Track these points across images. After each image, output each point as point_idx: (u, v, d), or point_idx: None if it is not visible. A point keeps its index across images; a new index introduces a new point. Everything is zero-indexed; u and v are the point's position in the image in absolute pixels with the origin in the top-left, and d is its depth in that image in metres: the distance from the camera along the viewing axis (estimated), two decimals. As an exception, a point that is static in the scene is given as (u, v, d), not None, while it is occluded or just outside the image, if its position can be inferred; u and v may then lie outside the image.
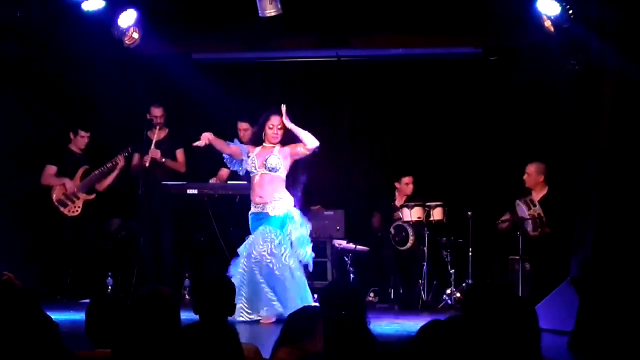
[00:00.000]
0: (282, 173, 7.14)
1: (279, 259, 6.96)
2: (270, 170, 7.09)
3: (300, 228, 7.16)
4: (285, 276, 6.95)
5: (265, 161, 7.09)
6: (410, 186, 8.73)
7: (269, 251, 6.95)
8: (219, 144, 7.27)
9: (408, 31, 8.46)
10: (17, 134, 8.32)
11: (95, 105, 8.82)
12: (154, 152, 8.36)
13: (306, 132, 7.16)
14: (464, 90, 9.14)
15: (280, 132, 7.14)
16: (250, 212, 7.20)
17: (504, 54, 8.69)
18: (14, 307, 2.87)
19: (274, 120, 7.14)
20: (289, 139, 7.19)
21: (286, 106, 7.21)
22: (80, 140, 8.62)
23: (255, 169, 7.14)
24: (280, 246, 6.98)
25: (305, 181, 7.38)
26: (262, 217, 7.08)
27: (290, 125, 7.16)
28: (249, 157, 7.16)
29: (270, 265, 6.93)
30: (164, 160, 8.43)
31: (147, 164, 8.34)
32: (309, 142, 7.12)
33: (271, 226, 7.01)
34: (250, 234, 7.15)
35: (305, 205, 8.70)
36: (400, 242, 8.35)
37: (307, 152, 7.15)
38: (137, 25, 7.91)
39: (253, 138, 7.30)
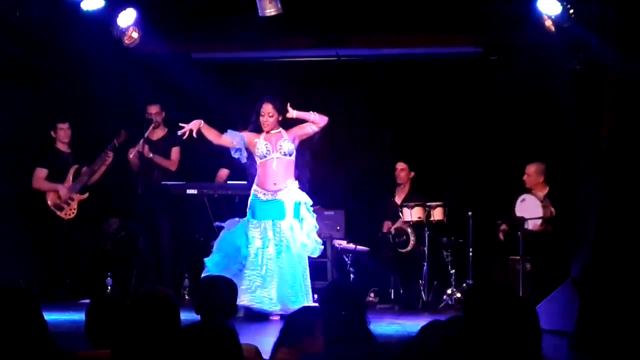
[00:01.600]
0: (294, 157, 7.17)
1: (301, 247, 7.04)
2: (284, 155, 7.11)
3: (312, 215, 7.22)
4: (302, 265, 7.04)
5: (280, 146, 7.10)
6: (403, 174, 8.71)
7: (293, 241, 7.00)
8: (211, 133, 7.22)
9: (408, 31, 8.46)
10: (17, 135, 8.31)
11: (94, 105, 8.81)
12: (141, 147, 8.33)
13: (312, 112, 7.19)
14: (464, 90, 9.13)
15: (271, 120, 7.12)
16: (257, 199, 7.10)
17: (504, 54, 8.68)
18: (14, 307, 2.87)
19: (264, 108, 7.15)
20: (290, 123, 7.22)
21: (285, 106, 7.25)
22: (61, 133, 8.53)
23: (269, 153, 7.09)
24: (298, 234, 7.05)
25: (309, 178, 7.41)
26: (274, 204, 7.05)
27: (296, 114, 7.18)
28: (256, 142, 7.11)
29: (294, 254, 6.98)
30: (151, 155, 8.39)
31: (130, 156, 8.32)
32: (319, 120, 7.17)
33: (287, 213, 7.03)
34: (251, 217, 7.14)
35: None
36: (401, 244, 8.35)
37: (317, 130, 7.19)
38: (137, 25, 7.90)
39: (253, 127, 7.26)
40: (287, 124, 7.24)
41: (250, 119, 7.28)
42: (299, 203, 7.11)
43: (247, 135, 7.18)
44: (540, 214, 7.61)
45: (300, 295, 6.88)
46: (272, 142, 7.12)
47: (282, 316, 6.79)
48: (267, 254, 6.95)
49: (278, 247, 6.96)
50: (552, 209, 7.65)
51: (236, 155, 7.23)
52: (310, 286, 7.05)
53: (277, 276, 6.90)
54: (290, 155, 7.13)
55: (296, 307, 6.75)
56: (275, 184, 7.09)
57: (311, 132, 7.21)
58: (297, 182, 7.21)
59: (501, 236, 8.00)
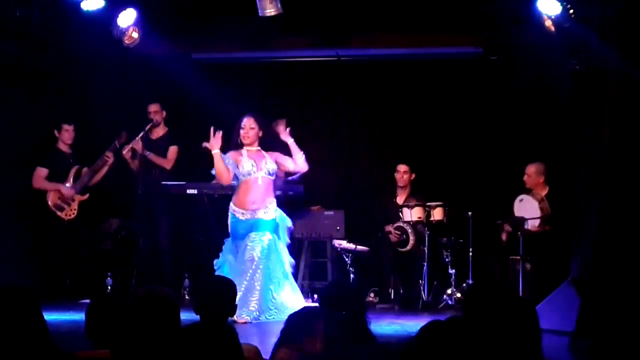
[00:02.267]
0: (274, 177, 7.22)
1: (280, 262, 7.08)
2: (268, 174, 7.14)
3: (285, 230, 7.27)
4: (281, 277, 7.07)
5: (265, 165, 7.12)
6: (406, 176, 8.70)
7: (271, 256, 7.02)
8: (221, 163, 7.06)
9: (408, 31, 8.45)
10: (17, 134, 8.31)
11: (94, 105, 8.81)
12: (135, 143, 8.32)
13: (301, 153, 7.21)
14: (464, 90, 9.13)
15: (251, 133, 7.14)
16: (236, 219, 7.10)
17: (504, 54, 8.68)
18: (14, 307, 2.87)
19: (245, 121, 7.17)
20: (268, 144, 7.22)
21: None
22: (66, 135, 8.54)
23: (254, 172, 7.10)
24: (280, 249, 7.10)
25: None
26: (254, 223, 7.05)
27: (289, 140, 7.19)
28: (240, 159, 7.10)
29: (271, 267, 6.99)
30: (147, 153, 8.38)
31: (124, 152, 8.33)
32: (301, 164, 7.20)
33: (266, 230, 7.03)
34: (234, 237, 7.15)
35: (305, 205, 8.75)
36: (401, 243, 8.34)
37: (291, 170, 7.26)
38: (137, 25, 7.90)
39: (233, 141, 7.24)
40: (269, 147, 7.26)
41: (232, 137, 7.23)
42: (277, 223, 7.14)
43: (232, 156, 7.14)
44: (538, 215, 7.61)
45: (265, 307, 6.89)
46: (255, 160, 7.11)
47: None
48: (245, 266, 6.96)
49: (250, 258, 6.95)
50: (549, 209, 7.65)
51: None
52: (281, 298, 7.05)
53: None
54: (272, 175, 7.17)
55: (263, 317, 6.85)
56: (254, 202, 7.07)
57: (288, 168, 7.24)
58: (275, 200, 7.22)
59: (504, 237, 8.00)
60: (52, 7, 7.63)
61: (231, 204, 7.18)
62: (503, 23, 7.93)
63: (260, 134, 7.20)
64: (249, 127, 7.15)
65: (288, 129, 7.26)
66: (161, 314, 3.07)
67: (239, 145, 7.17)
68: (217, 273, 7.10)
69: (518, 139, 8.67)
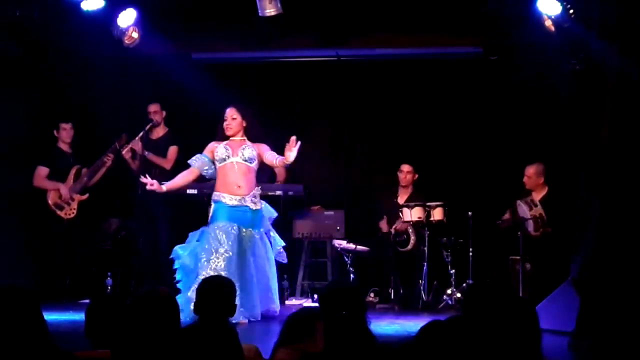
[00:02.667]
0: (255, 166, 7.01)
1: (269, 257, 7.05)
2: (245, 161, 6.97)
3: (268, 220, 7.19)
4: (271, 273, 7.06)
5: (241, 151, 6.97)
6: (409, 176, 8.70)
7: (262, 251, 7.00)
8: (180, 182, 7.13)
9: (408, 31, 8.46)
10: (16, 134, 8.31)
11: (94, 105, 8.82)
12: (135, 144, 8.32)
13: (285, 168, 7.18)
14: (464, 90, 9.13)
15: (234, 123, 7.01)
16: (221, 204, 6.93)
17: (504, 54, 8.68)
18: (14, 307, 2.87)
19: (227, 112, 7.07)
20: (255, 137, 7.11)
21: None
22: (64, 133, 8.55)
23: (229, 157, 6.95)
24: (265, 244, 7.05)
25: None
26: (241, 215, 6.92)
27: (292, 158, 6.73)
28: (216, 147, 7.01)
29: (261, 264, 6.96)
30: (146, 153, 8.37)
31: (123, 152, 8.33)
32: (281, 168, 7.05)
33: (251, 227, 6.95)
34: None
35: (305, 205, 8.74)
36: (401, 243, 8.35)
37: (268, 163, 7.00)
38: (137, 25, 7.91)
39: (218, 133, 7.14)
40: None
41: (218, 127, 7.12)
42: (263, 216, 7.06)
43: (208, 148, 7.06)
44: (532, 225, 7.63)
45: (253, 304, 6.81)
46: (233, 147, 6.99)
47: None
48: (232, 259, 6.79)
49: (242, 255, 6.84)
50: (543, 213, 7.65)
51: (206, 172, 7.10)
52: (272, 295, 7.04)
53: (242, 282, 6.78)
54: (251, 162, 6.95)
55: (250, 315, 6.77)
56: (238, 186, 6.93)
57: (270, 161, 6.92)
58: (260, 190, 7.12)
59: (504, 225, 7.99)
60: (52, 7, 7.62)
61: (214, 192, 7.02)
62: (503, 23, 7.93)
63: (244, 124, 7.07)
64: (230, 117, 7.04)
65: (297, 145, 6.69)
66: (161, 314, 3.07)
67: (224, 138, 7.10)
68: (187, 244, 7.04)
69: (518, 139, 8.67)
